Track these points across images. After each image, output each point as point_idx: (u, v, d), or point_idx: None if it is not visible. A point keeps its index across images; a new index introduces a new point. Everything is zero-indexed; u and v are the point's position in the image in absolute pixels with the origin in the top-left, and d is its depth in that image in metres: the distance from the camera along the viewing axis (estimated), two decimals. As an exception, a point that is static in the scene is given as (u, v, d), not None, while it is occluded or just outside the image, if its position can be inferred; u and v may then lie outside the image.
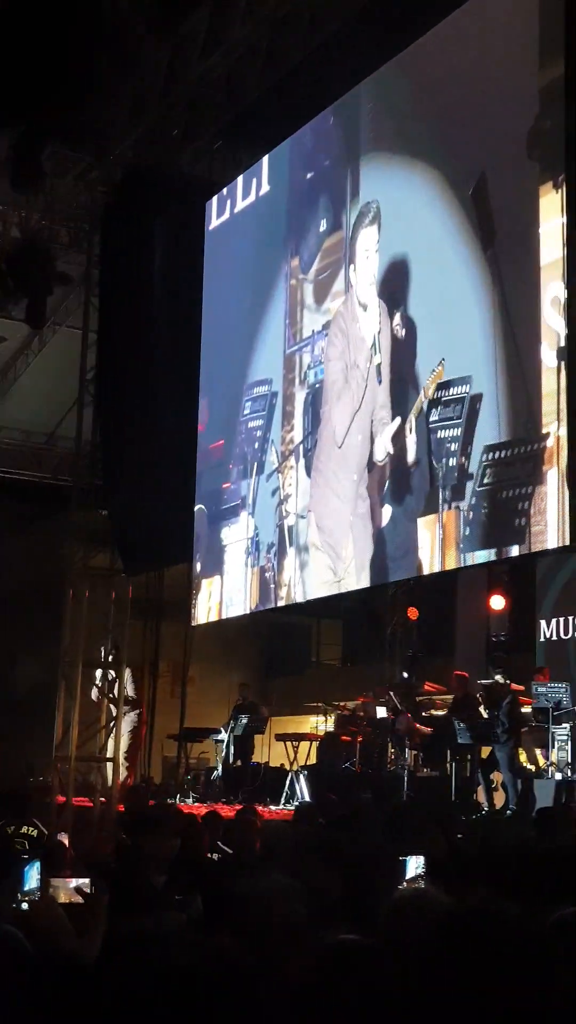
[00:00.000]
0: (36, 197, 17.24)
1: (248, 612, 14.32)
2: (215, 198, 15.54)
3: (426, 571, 11.24)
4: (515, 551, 9.94)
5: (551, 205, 9.59)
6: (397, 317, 11.54)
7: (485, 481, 10.13)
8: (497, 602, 18.72)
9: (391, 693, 16.08)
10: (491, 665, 17.85)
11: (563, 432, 9.27)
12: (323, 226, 13.22)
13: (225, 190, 15.41)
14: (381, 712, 16.04)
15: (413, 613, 19.77)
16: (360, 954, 2.80)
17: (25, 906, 4.23)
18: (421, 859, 4.60)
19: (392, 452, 11.50)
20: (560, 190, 9.53)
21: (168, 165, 15.78)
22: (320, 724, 17.84)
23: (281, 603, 13.61)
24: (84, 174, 16.64)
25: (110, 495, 15.78)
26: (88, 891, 4.37)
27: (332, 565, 12.19)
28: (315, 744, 16.04)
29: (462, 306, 10.69)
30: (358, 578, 11.96)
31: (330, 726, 16.65)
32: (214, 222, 15.54)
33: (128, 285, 15.67)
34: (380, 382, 11.75)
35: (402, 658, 19.87)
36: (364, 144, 12.67)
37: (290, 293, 13.82)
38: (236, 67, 14.18)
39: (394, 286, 11.77)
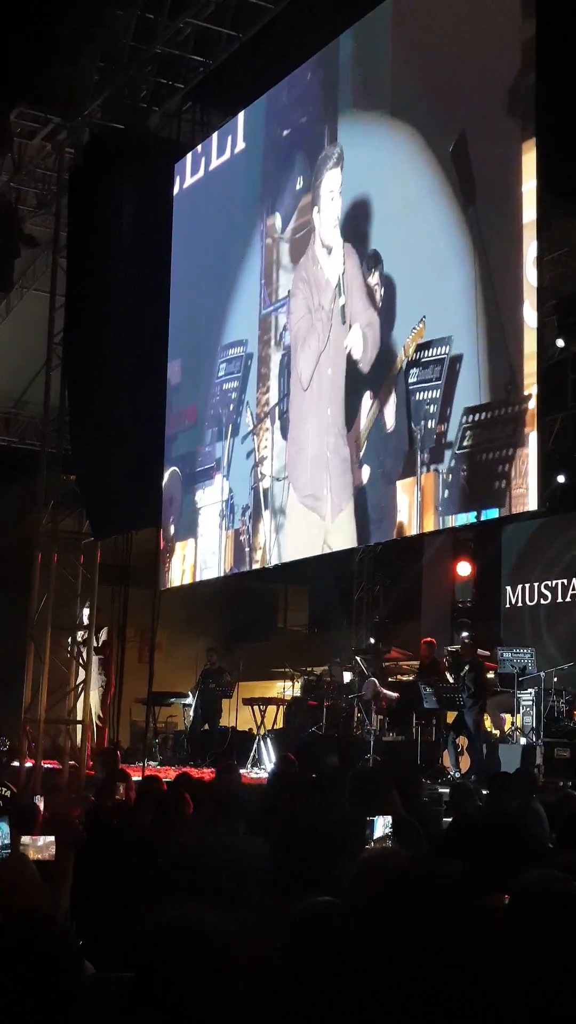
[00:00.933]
0: (3, 158, 17.09)
1: (222, 575, 14.27)
2: (189, 156, 15.36)
3: (406, 533, 11.16)
4: (494, 514, 9.88)
5: (533, 163, 9.49)
6: (375, 275, 11.38)
7: (464, 444, 10.04)
8: (463, 568, 18.85)
9: (357, 659, 16.19)
10: (456, 631, 18.01)
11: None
12: (299, 184, 12.99)
13: (200, 147, 15.21)
14: (347, 677, 16.16)
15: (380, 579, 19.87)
16: (327, 916, 2.83)
17: None
18: (389, 819, 4.66)
19: (369, 415, 11.43)
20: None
21: (136, 127, 15.66)
22: (287, 689, 17.90)
23: (256, 566, 13.51)
24: (52, 135, 16.50)
25: (78, 459, 15.74)
26: (55, 849, 4.41)
27: (317, 510, 11.94)
28: (282, 708, 16.13)
29: (442, 265, 10.55)
30: (342, 533, 11.75)
31: (297, 691, 16.72)
32: (188, 181, 15.38)
33: (96, 247, 15.57)
34: (344, 322, 11.61)
35: (369, 624, 19.98)
36: (342, 100, 12.43)
37: (266, 252, 13.62)
38: (205, 26, 14.08)
39: (360, 227, 11.57)
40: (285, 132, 13.47)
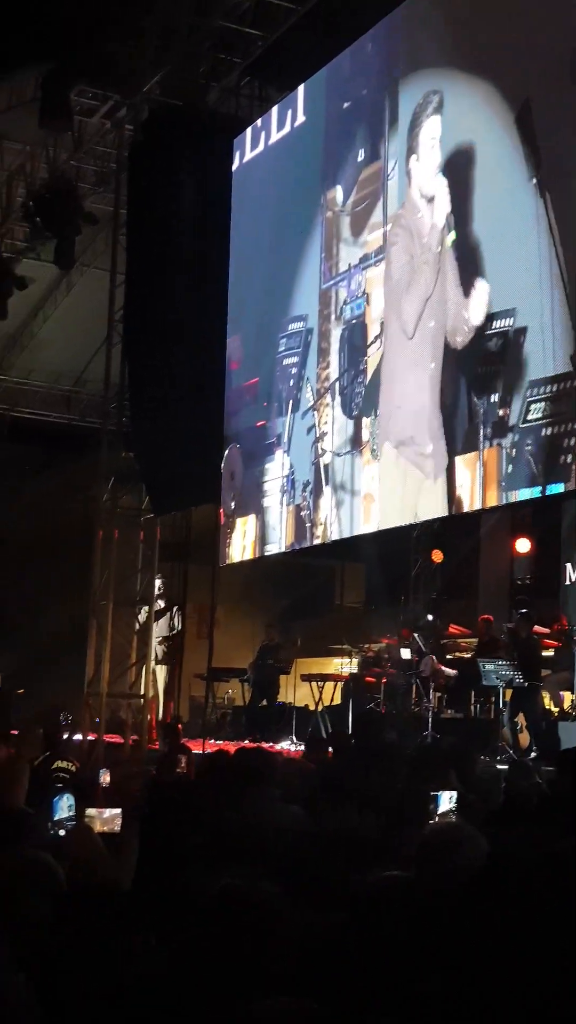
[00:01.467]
0: (63, 136, 17.17)
1: (283, 551, 14.26)
2: (248, 131, 15.33)
3: (465, 509, 11.01)
4: (559, 488, 9.71)
5: None
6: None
7: (529, 418, 9.86)
8: (522, 545, 18.72)
9: (415, 635, 16.16)
10: (515, 608, 17.92)
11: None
12: (361, 156, 12.81)
13: (259, 121, 15.16)
14: (405, 654, 16.14)
15: (437, 556, 19.80)
16: (397, 890, 2.87)
17: (62, 833, 4.34)
18: (454, 794, 4.68)
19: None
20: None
21: (195, 103, 15.66)
22: (344, 666, 17.93)
23: (317, 542, 13.47)
24: (111, 112, 16.54)
25: (138, 436, 15.82)
26: (121, 821, 4.47)
27: (421, 467, 11.41)
28: (340, 685, 16.16)
29: (507, 237, 10.41)
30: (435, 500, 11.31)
31: (355, 668, 16.74)
32: (248, 155, 15.34)
33: (155, 224, 15.62)
34: (456, 257, 11.05)
35: (426, 600, 19.94)
36: (403, 71, 12.22)
37: (326, 226, 13.48)
38: (263, 1, 14.04)
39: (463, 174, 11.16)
40: (346, 104, 13.34)
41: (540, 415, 9.77)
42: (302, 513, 13.59)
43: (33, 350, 22.26)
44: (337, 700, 16.02)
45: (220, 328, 15.14)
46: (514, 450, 10.03)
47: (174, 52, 14.98)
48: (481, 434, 10.46)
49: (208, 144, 15.60)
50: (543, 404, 9.75)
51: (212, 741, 14.40)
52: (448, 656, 15.53)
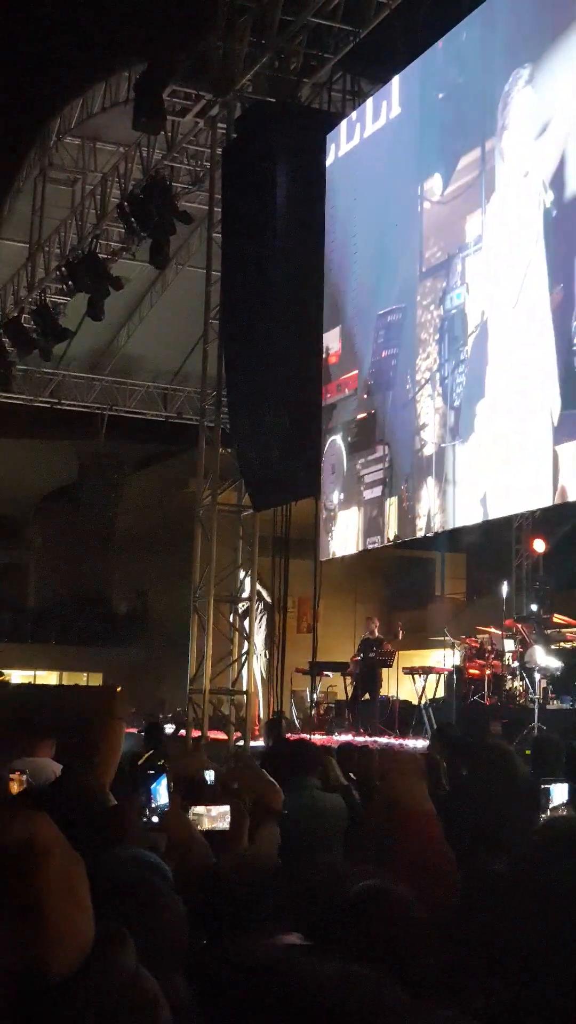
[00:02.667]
0: (157, 136, 17.32)
1: (387, 543, 14.20)
2: (343, 124, 15.27)
3: (571, 498, 10.71)
4: None
5: None
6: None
7: None
8: (627, 533, 18.49)
9: (519, 626, 16.03)
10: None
11: None
12: (457, 146, 12.70)
13: (354, 114, 15.10)
14: (509, 645, 16.01)
15: (539, 545, 19.63)
16: (505, 882, 2.86)
17: (155, 819, 4.38)
18: (566, 786, 4.64)
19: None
20: None
21: (288, 99, 15.69)
22: (447, 658, 17.85)
23: (420, 534, 13.34)
24: (204, 111, 16.64)
25: (236, 432, 15.92)
26: (230, 819, 4.49)
27: (521, 449, 11.12)
28: (443, 678, 16.10)
29: None
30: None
31: (458, 660, 16.66)
32: (343, 149, 15.30)
33: (249, 222, 15.67)
34: (556, 214, 10.77)
35: (529, 590, 19.78)
36: (500, 58, 12.09)
37: (424, 216, 13.36)
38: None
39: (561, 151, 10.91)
40: (441, 95, 13.23)
41: None
42: (404, 504, 13.48)
43: (130, 349, 22.50)
44: (440, 693, 15.97)
45: (316, 323, 15.16)
46: None
47: (265, 49, 15.02)
48: None
49: (301, 140, 15.60)
50: None
51: (315, 736, 14.44)
52: (553, 646, 15.39)
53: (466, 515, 12.43)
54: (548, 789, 4.51)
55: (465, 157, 12.52)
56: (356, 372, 14.66)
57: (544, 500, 11.28)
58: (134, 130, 16.25)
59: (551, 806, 4.47)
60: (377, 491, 14.06)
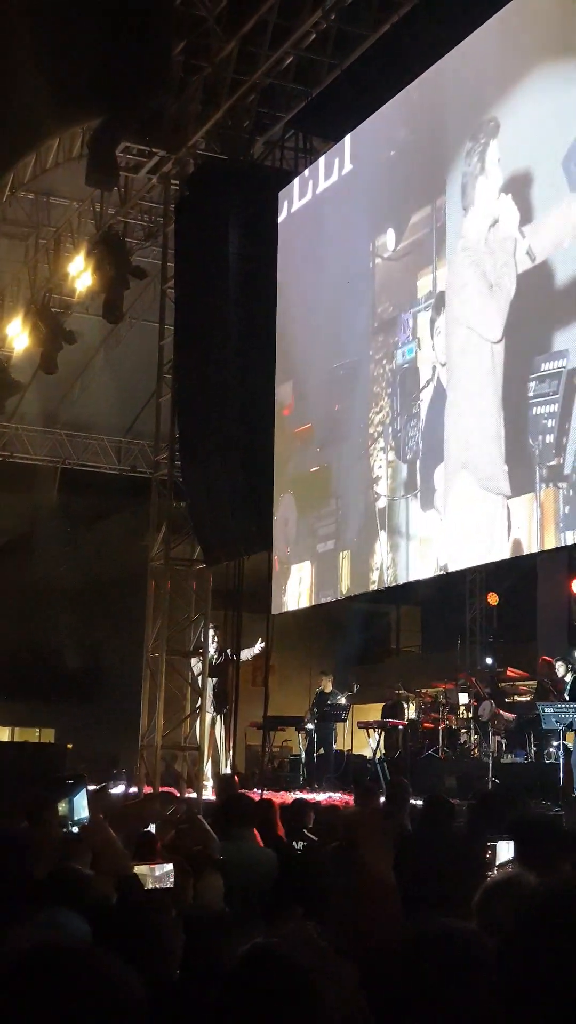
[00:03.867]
0: (111, 192, 17.40)
1: (340, 597, 14.23)
2: (296, 181, 15.42)
3: (525, 551, 10.89)
4: None
5: None
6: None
7: None
8: (579, 586, 18.56)
9: (473, 679, 16.05)
10: (572, 649, 17.74)
11: None
12: (409, 203, 12.91)
13: (307, 171, 15.27)
14: (463, 699, 16.02)
15: (493, 598, 19.70)
16: (456, 938, 2.81)
17: (76, 830, 4.37)
18: (511, 843, 4.61)
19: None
20: None
21: (240, 156, 15.83)
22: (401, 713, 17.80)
23: (373, 587, 13.41)
24: (157, 168, 16.75)
25: (189, 486, 15.89)
26: (174, 876, 4.46)
27: (498, 491, 11.06)
28: (398, 732, 16.05)
29: (560, 279, 10.44)
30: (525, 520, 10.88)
31: (412, 714, 16.62)
32: (294, 206, 15.45)
33: (203, 277, 15.75)
34: (533, 260, 10.86)
35: (483, 644, 19.82)
36: (449, 118, 12.37)
37: (376, 271, 13.57)
38: (306, 55, 14.19)
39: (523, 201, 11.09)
40: (392, 152, 13.47)
41: None
42: (357, 559, 13.54)
43: (84, 403, 22.47)
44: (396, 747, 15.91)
45: (268, 377, 15.19)
46: (571, 491, 10.03)
47: (218, 108, 15.16)
48: (537, 475, 10.41)
49: (253, 197, 15.73)
50: None
51: (269, 792, 14.31)
52: (507, 700, 15.40)
53: (419, 569, 12.48)
54: (494, 847, 4.49)
55: (416, 214, 12.70)
56: (310, 425, 14.70)
57: (498, 553, 11.33)
58: (87, 186, 16.30)
59: (497, 863, 4.45)
60: (330, 544, 14.08)
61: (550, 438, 10.29)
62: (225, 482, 15.15)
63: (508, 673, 17.14)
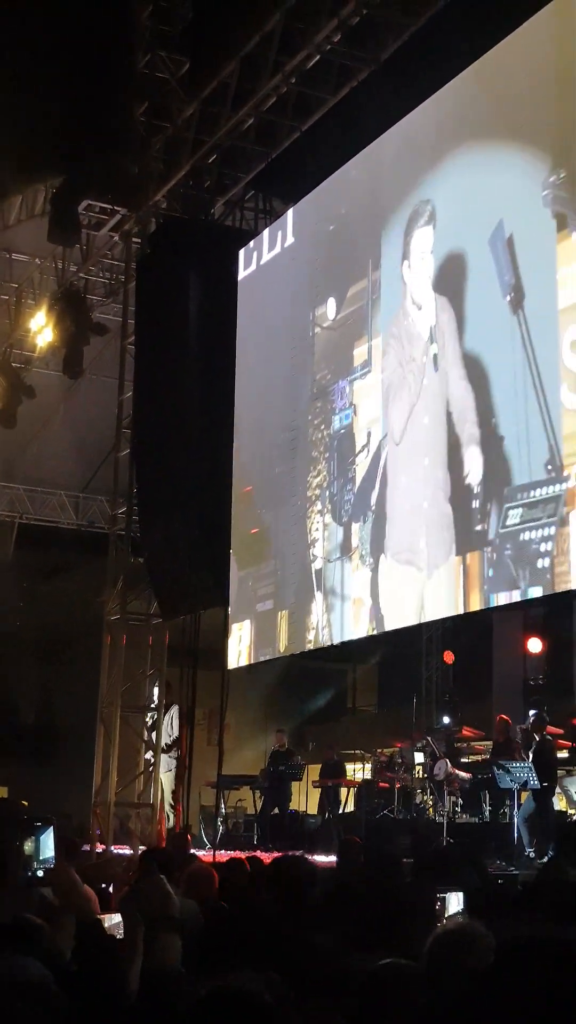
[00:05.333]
0: (72, 249, 17.51)
1: (277, 656, 14.44)
2: (243, 250, 15.76)
3: (450, 612, 11.39)
4: (538, 591, 10.01)
5: (569, 249, 9.87)
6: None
7: (508, 523, 10.24)
8: (534, 644, 18.63)
9: (429, 738, 16.02)
10: (529, 708, 17.77)
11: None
12: (347, 276, 13.45)
13: (252, 242, 15.66)
14: (419, 758, 15.98)
15: (449, 657, 19.72)
16: (405, 977, 2.82)
17: (40, 873, 4.34)
18: (461, 895, 4.61)
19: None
20: (574, 235, 9.82)
21: (201, 215, 16.00)
22: (358, 771, 17.76)
23: (309, 647, 13.70)
24: (119, 225, 16.89)
25: (146, 541, 15.89)
26: (124, 927, 4.46)
27: (414, 563, 11.61)
28: (353, 791, 15.98)
29: (489, 348, 10.86)
30: (441, 594, 11.39)
31: (368, 773, 16.57)
32: (243, 273, 15.74)
33: (163, 334, 15.86)
34: (436, 370, 11.45)
35: (439, 703, 19.80)
36: (386, 197, 12.91)
37: (315, 342, 14.05)
38: (266, 118, 14.40)
39: (454, 284, 11.59)
40: (331, 227, 14.00)
41: (518, 520, 10.13)
42: (294, 618, 13.79)
43: (42, 457, 22.44)
44: (350, 807, 15.83)
45: (227, 435, 15.28)
46: (495, 554, 10.39)
47: (180, 167, 15.33)
48: (463, 538, 10.79)
49: (214, 255, 15.89)
50: (520, 510, 10.13)
51: (223, 851, 14.20)
52: (463, 759, 15.38)
53: (353, 629, 12.83)
54: (444, 898, 4.49)
55: (354, 287, 13.27)
56: (251, 488, 14.92)
57: (429, 615, 11.57)
58: (50, 242, 16.42)
59: (447, 915, 4.44)
60: (269, 604, 14.37)
61: (476, 503, 10.73)
62: (182, 537, 15.16)
63: (464, 732, 17.14)
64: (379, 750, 17.14)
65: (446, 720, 18.52)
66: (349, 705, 25.05)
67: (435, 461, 11.38)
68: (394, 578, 11.89)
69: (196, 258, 15.71)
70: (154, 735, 15.73)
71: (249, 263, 15.66)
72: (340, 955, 3.60)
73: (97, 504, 22.59)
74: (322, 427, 13.67)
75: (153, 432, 15.82)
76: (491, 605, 10.82)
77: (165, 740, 16.07)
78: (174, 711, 16.60)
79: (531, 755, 12.75)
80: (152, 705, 15.97)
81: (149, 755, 15.71)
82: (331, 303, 13.71)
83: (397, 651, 19.84)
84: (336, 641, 13.17)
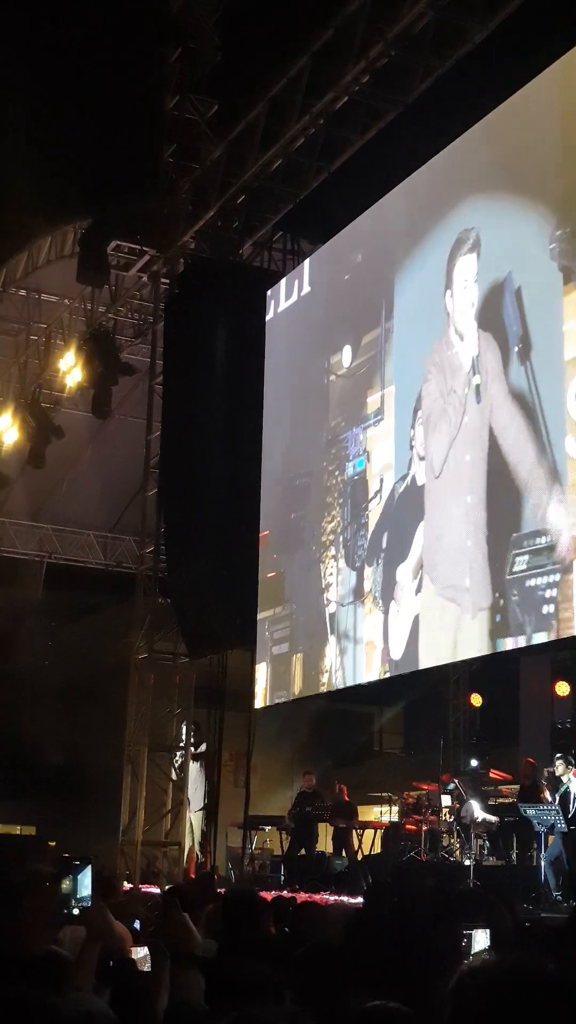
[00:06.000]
0: (101, 289, 17.64)
1: (292, 698, 14.62)
2: (270, 291, 15.93)
3: (460, 657, 11.75)
4: (543, 637, 10.22)
5: (573, 304, 10.16)
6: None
7: (515, 569, 10.47)
8: (561, 688, 18.48)
9: (456, 781, 15.88)
10: (555, 752, 17.60)
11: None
12: (361, 325, 13.75)
13: (269, 292, 15.90)
14: (446, 801, 15.84)
15: (476, 700, 19.58)
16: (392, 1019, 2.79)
17: (76, 912, 4.34)
18: (487, 932, 4.55)
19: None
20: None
21: (229, 256, 16.09)
22: (384, 814, 17.61)
23: (323, 689, 13.96)
24: (147, 266, 17.00)
25: (173, 581, 15.88)
26: (151, 960, 4.44)
27: (457, 600, 11.58)
28: (379, 833, 15.85)
29: (503, 402, 11.07)
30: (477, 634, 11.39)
31: (395, 815, 16.43)
32: (269, 314, 15.88)
33: (191, 374, 15.92)
34: (479, 402, 11.50)
35: (466, 746, 19.65)
36: (398, 249, 13.25)
37: (330, 389, 14.38)
38: (294, 159, 14.51)
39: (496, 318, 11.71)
40: (346, 276, 14.36)
41: (524, 567, 10.41)
42: (309, 661, 14.05)
43: (70, 498, 22.52)
44: (377, 849, 15.70)
45: (254, 475, 15.31)
46: (502, 600, 10.68)
47: (208, 208, 15.45)
48: (488, 588, 10.99)
49: (242, 296, 15.97)
50: (527, 557, 10.40)
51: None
52: (490, 802, 15.23)
53: (365, 673, 13.10)
54: (470, 935, 4.43)
55: (368, 335, 13.60)
56: (267, 532, 15.03)
57: (437, 659, 12.04)
58: (78, 283, 16.54)
59: (472, 952, 4.38)
60: (284, 647, 14.63)
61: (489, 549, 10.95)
62: (209, 577, 15.16)
63: (491, 775, 16.98)
64: (406, 793, 17.00)
65: (473, 763, 18.36)
66: (376, 747, 24.90)
67: (477, 500, 11.43)
68: (436, 614, 11.92)
69: (224, 299, 15.79)
70: (185, 774, 15.65)
71: (272, 307, 15.87)
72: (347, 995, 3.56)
73: (125, 544, 22.63)
74: (336, 473, 13.97)
75: (180, 472, 15.86)
76: (498, 650, 11.02)
77: (201, 781, 16.01)
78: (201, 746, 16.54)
79: (558, 798, 12.62)
80: (180, 745, 15.90)
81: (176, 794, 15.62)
82: (346, 351, 14.03)
83: (424, 693, 19.72)
84: (350, 684, 13.41)
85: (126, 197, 14.05)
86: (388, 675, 12.63)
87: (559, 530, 9.97)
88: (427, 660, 12.22)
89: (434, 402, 12.34)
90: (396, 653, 12.37)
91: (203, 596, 15.30)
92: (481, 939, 4.47)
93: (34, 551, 23.39)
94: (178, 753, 15.90)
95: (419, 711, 22.15)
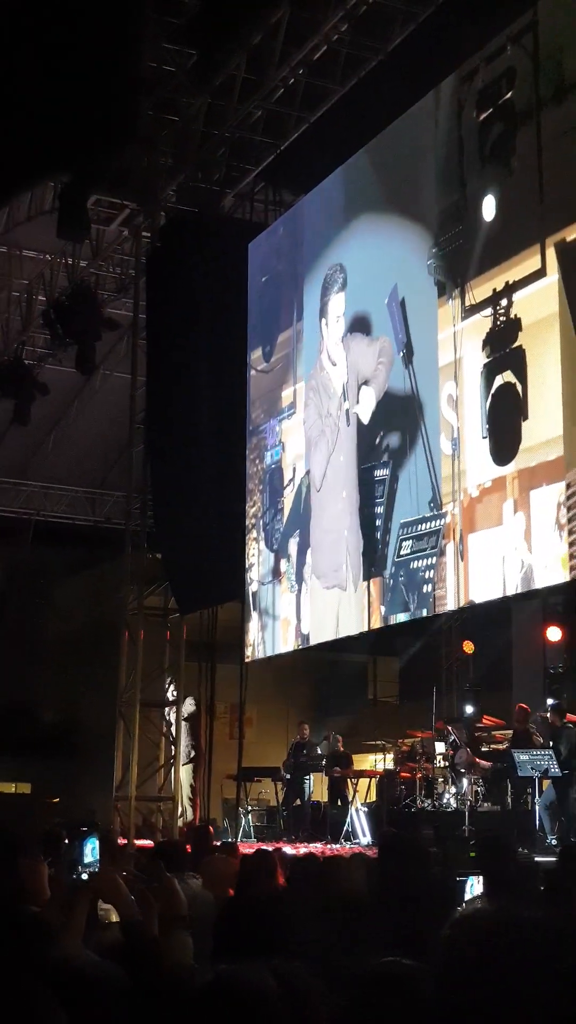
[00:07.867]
0: (82, 245, 17.48)
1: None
2: (265, 233, 16.27)
3: (356, 631, 13.56)
4: (424, 613, 12.08)
5: (445, 315, 11.83)
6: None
7: (401, 553, 12.27)
8: (553, 633, 18.54)
9: (450, 728, 15.96)
10: (548, 697, 17.68)
11: (457, 511, 11.54)
12: (277, 325, 15.29)
13: (251, 244, 16.38)
14: (440, 747, 15.92)
15: (468, 647, 19.65)
16: (401, 978, 2.78)
17: (85, 877, 4.35)
18: (480, 879, 4.58)
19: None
20: (451, 302, 11.79)
21: (211, 209, 15.96)
22: (379, 762, 17.69)
23: (247, 660, 15.65)
24: (128, 220, 16.85)
25: (162, 536, 15.87)
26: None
27: (339, 584, 13.72)
28: (374, 781, 15.94)
29: (392, 400, 12.79)
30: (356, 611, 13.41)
31: (390, 763, 16.51)
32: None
33: (174, 328, 15.83)
34: (348, 424, 13.49)
35: (460, 692, 19.74)
36: (306, 258, 14.76)
37: (251, 382, 15.65)
38: (274, 109, 14.36)
39: (359, 346, 13.69)
40: (264, 278, 15.70)
41: (408, 551, 12.24)
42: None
43: (57, 455, 22.45)
44: (372, 797, 15.79)
45: (240, 427, 15.27)
46: (391, 580, 12.47)
47: (188, 161, 15.29)
48: (368, 566, 12.88)
49: (224, 248, 15.86)
50: (411, 542, 12.23)
51: (246, 843, 14.19)
52: (483, 748, 15.31)
53: (282, 645, 15.00)
54: (462, 882, 4.46)
55: (282, 335, 15.26)
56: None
57: (343, 631, 13.86)
58: (59, 239, 16.37)
59: (466, 899, 4.41)
60: None
61: (377, 535, 12.79)
62: (198, 532, 15.16)
63: (484, 721, 17.05)
64: (400, 740, 17.08)
65: (468, 710, 18.45)
66: (370, 696, 25.00)
67: (350, 495, 13.41)
68: (320, 599, 13.94)
69: (206, 251, 15.69)
70: (173, 729, 15.72)
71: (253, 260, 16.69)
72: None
73: (113, 500, 22.59)
74: (257, 461, 15.47)
75: (167, 427, 15.81)
76: (387, 624, 12.90)
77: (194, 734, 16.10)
78: (188, 703, 16.61)
79: (551, 743, 12.70)
80: (171, 700, 15.95)
81: (170, 749, 15.69)
82: (266, 348, 15.54)
83: (416, 642, 19.77)
84: (270, 654, 15.20)
85: (105, 150, 13.87)
86: (301, 647, 14.57)
87: (435, 518, 11.79)
88: (317, 638, 14.25)
89: (313, 425, 14.34)
90: (305, 628, 14.27)
91: (192, 550, 15.30)
92: (476, 885, 4.51)
93: (21, 509, 23.33)
94: (169, 708, 15.95)
95: (413, 660, 22.22)
